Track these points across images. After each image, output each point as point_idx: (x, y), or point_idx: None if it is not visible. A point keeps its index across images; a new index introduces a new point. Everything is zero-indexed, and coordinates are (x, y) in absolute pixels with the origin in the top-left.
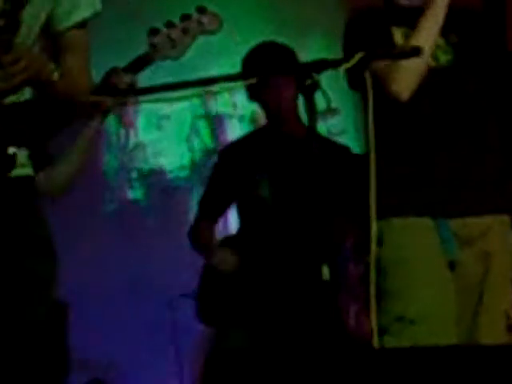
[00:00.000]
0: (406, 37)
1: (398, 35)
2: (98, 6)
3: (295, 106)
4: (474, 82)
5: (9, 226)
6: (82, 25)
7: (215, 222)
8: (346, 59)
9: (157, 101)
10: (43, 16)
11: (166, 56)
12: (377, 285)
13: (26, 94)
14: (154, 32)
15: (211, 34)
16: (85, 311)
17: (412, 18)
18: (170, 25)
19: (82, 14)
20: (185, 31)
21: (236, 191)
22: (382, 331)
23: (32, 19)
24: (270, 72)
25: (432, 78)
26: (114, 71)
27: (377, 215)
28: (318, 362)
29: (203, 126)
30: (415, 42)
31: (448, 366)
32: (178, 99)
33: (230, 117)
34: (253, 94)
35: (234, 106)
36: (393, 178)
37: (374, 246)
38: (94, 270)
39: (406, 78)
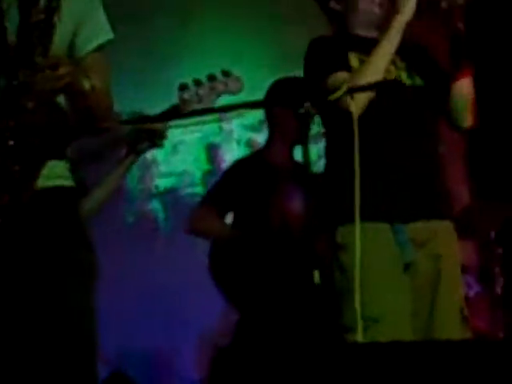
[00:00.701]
0: (360, 61)
1: (353, 59)
2: (111, 34)
3: None
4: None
5: (58, 225)
6: (100, 49)
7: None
8: (307, 78)
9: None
10: (68, 41)
11: (194, 109)
12: (341, 286)
13: (60, 102)
14: (183, 87)
15: (234, 94)
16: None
17: (365, 46)
18: (197, 83)
19: (99, 40)
20: (211, 89)
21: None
22: (347, 329)
23: (60, 41)
24: (271, 105)
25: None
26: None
27: (339, 222)
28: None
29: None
30: (371, 65)
31: (408, 360)
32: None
33: (228, 142)
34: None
35: (230, 133)
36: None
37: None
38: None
39: (359, 98)
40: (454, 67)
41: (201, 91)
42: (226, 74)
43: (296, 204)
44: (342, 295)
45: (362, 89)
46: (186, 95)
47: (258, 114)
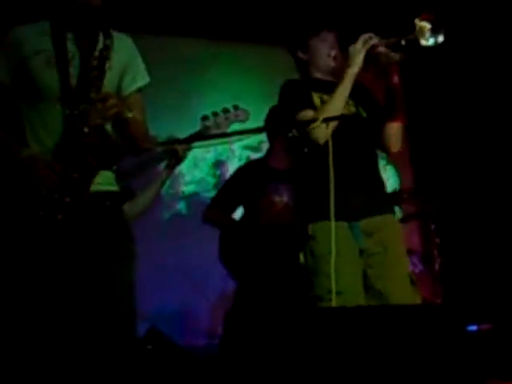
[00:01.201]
0: (320, 99)
1: (315, 97)
2: (148, 79)
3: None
4: (368, 129)
5: (107, 220)
6: (139, 91)
7: (226, 212)
8: (280, 110)
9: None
10: (115, 83)
11: (212, 133)
12: (312, 268)
13: (108, 128)
14: (204, 118)
15: (242, 122)
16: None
17: (324, 87)
18: (215, 114)
19: (138, 84)
20: (225, 119)
21: (244, 197)
22: (319, 299)
23: (110, 83)
24: (267, 130)
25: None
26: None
27: (311, 220)
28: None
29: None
30: (329, 105)
31: (365, 321)
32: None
33: (231, 159)
34: None
35: (233, 152)
36: (321, 195)
37: (333, 243)
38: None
39: (323, 132)
40: (387, 113)
41: (218, 120)
42: (236, 107)
43: (282, 198)
44: (312, 274)
45: (334, 119)
46: (206, 123)
47: (256, 137)
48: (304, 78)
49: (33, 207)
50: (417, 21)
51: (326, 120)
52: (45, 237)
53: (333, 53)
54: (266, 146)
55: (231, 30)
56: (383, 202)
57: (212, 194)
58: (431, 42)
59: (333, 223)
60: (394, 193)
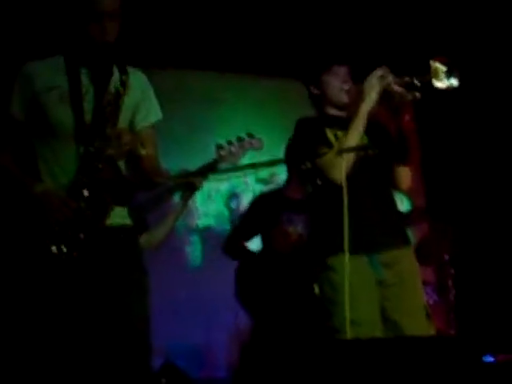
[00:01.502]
0: (334, 135)
1: (329, 134)
2: (160, 115)
3: None
4: (384, 166)
5: (122, 254)
6: (152, 126)
7: (245, 241)
8: (294, 147)
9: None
10: (129, 119)
11: (228, 163)
12: (331, 298)
13: (122, 164)
14: (219, 147)
15: (257, 150)
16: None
17: (338, 123)
18: (229, 143)
19: (151, 119)
20: (240, 147)
21: (261, 226)
22: (337, 330)
23: (123, 119)
24: (282, 161)
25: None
26: (189, 173)
27: (329, 251)
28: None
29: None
30: (347, 140)
31: (381, 352)
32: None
33: (245, 192)
34: None
35: (247, 184)
36: (340, 229)
37: (346, 273)
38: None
39: (340, 171)
40: (397, 154)
41: (232, 149)
42: (250, 135)
43: (297, 229)
44: (330, 304)
45: (347, 151)
46: (221, 152)
47: (268, 170)
48: (318, 113)
49: (46, 243)
50: (431, 62)
51: (339, 152)
52: (59, 274)
53: (345, 86)
54: (277, 179)
55: (241, 63)
56: (401, 235)
57: (226, 226)
58: (445, 84)
59: (346, 256)
60: (406, 214)
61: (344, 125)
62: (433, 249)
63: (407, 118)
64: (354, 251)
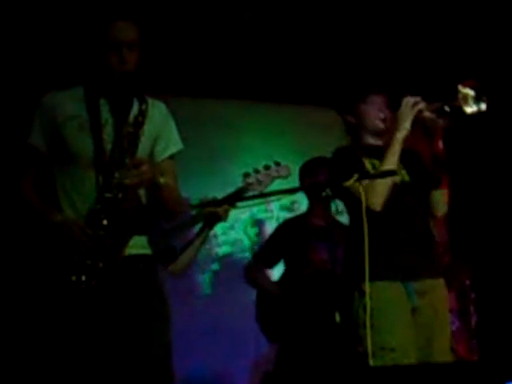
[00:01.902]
0: (371, 164)
1: (366, 163)
2: (181, 146)
3: None
4: (420, 194)
5: (141, 283)
6: (172, 157)
7: (267, 267)
8: (339, 178)
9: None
10: (149, 149)
11: (254, 191)
12: (365, 323)
13: (142, 193)
14: (246, 175)
15: (284, 179)
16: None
17: (374, 152)
18: (256, 171)
19: (171, 150)
20: (267, 175)
21: (285, 253)
22: (368, 355)
23: (143, 149)
24: (303, 190)
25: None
26: (217, 202)
27: (364, 278)
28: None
29: (256, 224)
30: (382, 168)
31: (415, 378)
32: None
33: (269, 219)
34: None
35: (272, 212)
36: (377, 256)
37: (368, 300)
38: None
39: (379, 198)
40: (432, 179)
41: (259, 177)
42: (277, 163)
43: (325, 256)
44: (364, 328)
45: (370, 177)
46: (249, 180)
47: (289, 197)
48: (355, 142)
49: (66, 272)
50: (460, 87)
51: (360, 178)
52: (79, 302)
53: (382, 115)
54: (297, 206)
55: (262, 90)
56: (435, 265)
57: (246, 254)
58: (474, 109)
59: (367, 283)
60: None
61: (381, 154)
62: (454, 274)
63: (440, 144)
64: (389, 278)
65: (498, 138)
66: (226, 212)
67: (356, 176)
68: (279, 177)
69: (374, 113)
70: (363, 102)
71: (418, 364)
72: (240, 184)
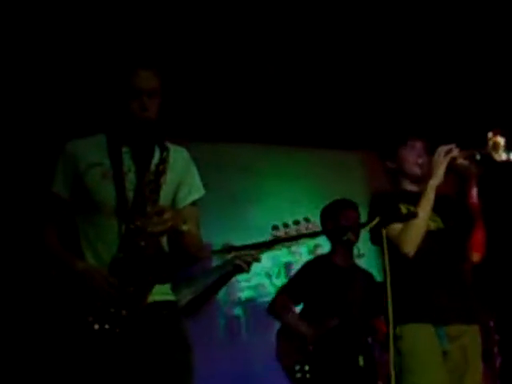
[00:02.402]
0: (407, 210)
1: (403, 209)
2: (203, 192)
3: None
4: (455, 241)
5: (164, 331)
6: (194, 203)
7: (293, 303)
8: (368, 222)
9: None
10: (171, 196)
11: (284, 246)
12: (399, 365)
13: (164, 240)
14: (275, 228)
15: (313, 238)
16: None
17: (411, 198)
18: (285, 225)
19: (193, 197)
20: (296, 231)
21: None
22: None
23: (165, 196)
24: (325, 233)
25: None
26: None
27: (398, 321)
28: None
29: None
30: (420, 215)
31: None
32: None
33: (298, 261)
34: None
35: (300, 255)
36: (409, 299)
37: (391, 342)
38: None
39: (412, 243)
40: (468, 226)
41: (288, 232)
42: (307, 219)
43: (352, 296)
44: (399, 372)
45: (388, 220)
46: (277, 233)
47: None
48: (393, 187)
49: (88, 321)
50: (490, 135)
51: (382, 221)
52: (102, 350)
53: (420, 161)
54: (320, 250)
55: (280, 134)
56: (469, 311)
57: (267, 298)
58: (504, 157)
59: (391, 326)
60: None
61: (418, 199)
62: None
63: (474, 190)
64: (421, 320)
65: None
66: (250, 265)
67: (378, 219)
68: (308, 235)
69: (413, 158)
70: (403, 147)
71: None
72: (269, 236)
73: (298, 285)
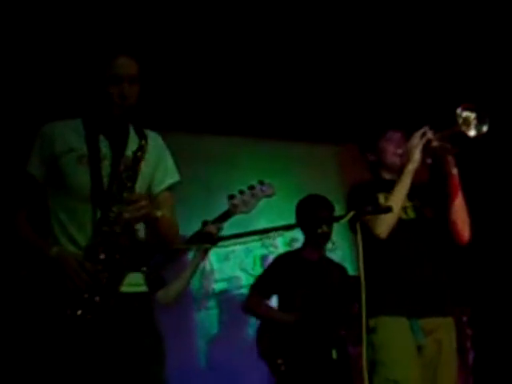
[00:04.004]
0: (385, 198)
1: (381, 198)
2: (178, 177)
3: None
4: (428, 229)
5: (136, 321)
6: (169, 189)
7: (265, 298)
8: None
9: (233, 244)
10: (147, 182)
11: (241, 212)
12: (372, 358)
13: (139, 227)
14: (231, 197)
15: (269, 197)
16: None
17: (390, 187)
18: (241, 192)
19: (169, 182)
20: (252, 195)
21: (281, 285)
22: None
23: (141, 183)
24: (300, 226)
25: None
26: (206, 223)
27: (372, 314)
28: None
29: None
30: (390, 202)
31: None
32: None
33: (272, 253)
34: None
35: (276, 246)
36: (383, 292)
37: (364, 335)
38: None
39: (384, 225)
40: (448, 199)
41: (244, 197)
42: (261, 182)
43: (323, 290)
44: (372, 364)
45: (363, 213)
46: (234, 201)
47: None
48: (374, 178)
49: (61, 305)
50: (458, 111)
51: (359, 214)
52: (73, 335)
53: (399, 151)
54: (297, 244)
55: (261, 127)
56: (445, 304)
57: (244, 291)
58: (477, 131)
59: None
60: None
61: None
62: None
63: (456, 172)
64: (395, 313)
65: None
66: (217, 232)
67: (352, 213)
68: (265, 196)
69: (392, 148)
70: (383, 139)
71: None
72: (227, 205)
73: (267, 280)
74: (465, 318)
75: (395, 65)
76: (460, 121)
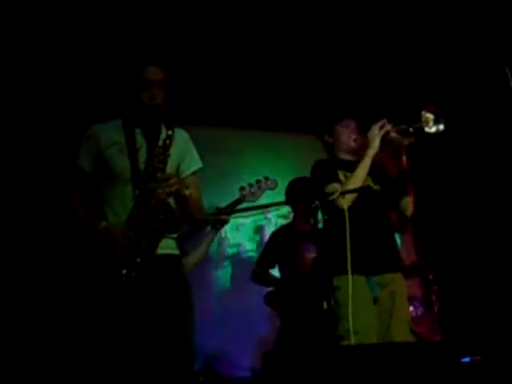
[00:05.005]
0: (345, 176)
1: (340, 175)
2: (201, 164)
3: None
4: (383, 202)
5: (171, 277)
6: (194, 174)
7: (269, 268)
8: (312, 185)
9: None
10: (175, 167)
11: (249, 200)
12: (336, 311)
13: (171, 201)
14: (242, 188)
15: (272, 190)
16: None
17: (347, 166)
18: (250, 185)
19: (194, 168)
20: (258, 188)
21: (279, 255)
22: (340, 337)
23: (170, 167)
24: (294, 202)
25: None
26: (219, 209)
27: (336, 273)
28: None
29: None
30: (351, 179)
31: (375, 355)
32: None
33: (269, 225)
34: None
35: (269, 220)
36: (345, 254)
37: (350, 291)
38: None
39: (349, 201)
40: (400, 189)
41: (252, 189)
42: (266, 178)
43: (311, 255)
44: (336, 317)
45: (349, 192)
46: (244, 192)
47: (287, 208)
48: (331, 157)
49: (111, 267)
50: (423, 112)
51: (343, 193)
52: (121, 291)
53: (353, 136)
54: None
55: (264, 121)
56: (395, 262)
57: (250, 254)
58: (434, 129)
59: (349, 277)
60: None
61: (352, 167)
62: (419, 270)
63: (404, 159)
64: (355, 272)
65: (454, 155)
66: (228, 218)
67: (338, 192)
68: (268, 188)
69: (347, 133)
70: (340, 125)
71: (379, 343)
72: (237, 196)
73: (267, 254)
74: (431, 276)
75: (379, 66)
76: (423, 119)
